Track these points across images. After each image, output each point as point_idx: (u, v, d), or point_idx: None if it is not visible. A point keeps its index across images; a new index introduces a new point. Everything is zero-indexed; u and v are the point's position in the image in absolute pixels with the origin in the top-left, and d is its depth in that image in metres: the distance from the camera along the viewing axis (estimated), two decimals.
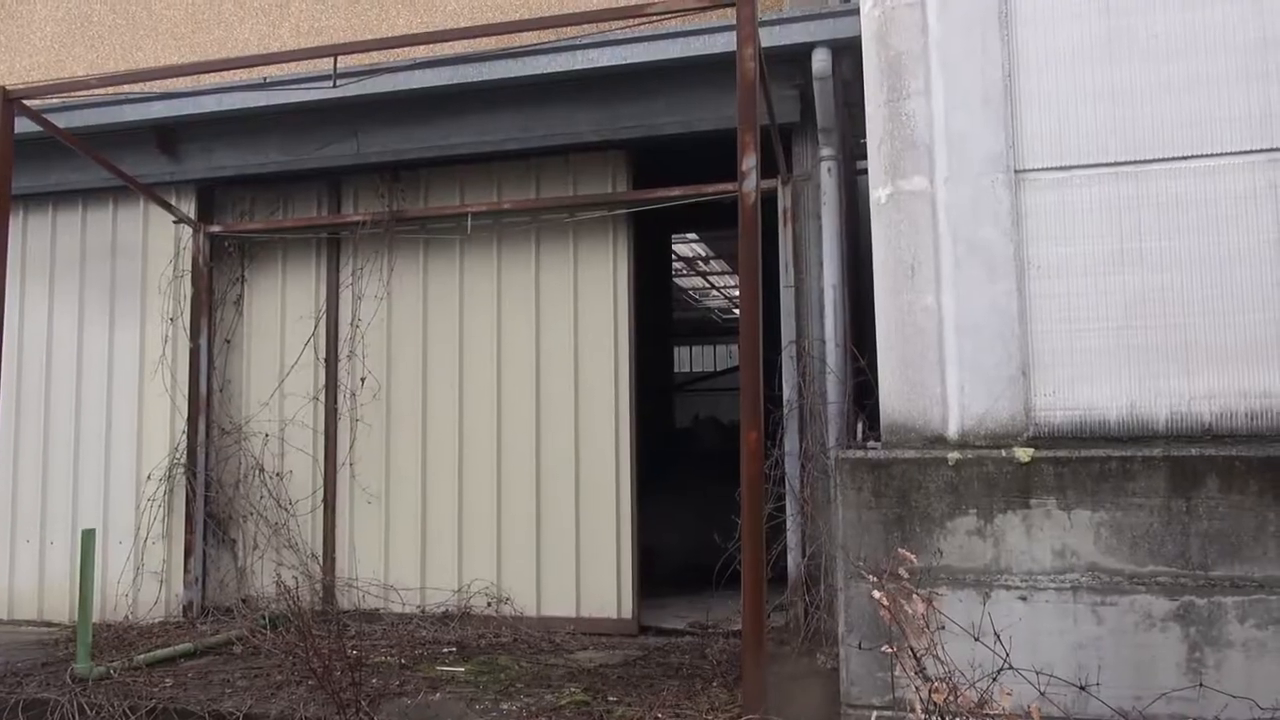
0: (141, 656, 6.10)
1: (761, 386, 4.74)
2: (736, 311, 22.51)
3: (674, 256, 15.73)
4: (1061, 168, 4.78)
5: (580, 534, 7.04)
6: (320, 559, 7.45)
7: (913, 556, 3.82)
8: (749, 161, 4.70)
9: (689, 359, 23.65)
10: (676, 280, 17.34)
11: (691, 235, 14.96)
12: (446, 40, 5.45)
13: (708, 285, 20.12)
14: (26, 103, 5.96)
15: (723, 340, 23.63)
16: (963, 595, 4.42)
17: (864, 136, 7.07)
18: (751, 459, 4.69)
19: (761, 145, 4.87)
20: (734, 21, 4.84)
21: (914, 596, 3.65)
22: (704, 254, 17.28)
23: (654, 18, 5.33)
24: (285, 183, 7.79)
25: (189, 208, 7.81)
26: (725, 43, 6.25)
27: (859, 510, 4.65)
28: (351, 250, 7.66)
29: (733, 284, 19.85)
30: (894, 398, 4.90)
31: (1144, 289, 4.59)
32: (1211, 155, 4.58)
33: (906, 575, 3.72)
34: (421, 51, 7.07)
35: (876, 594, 3.63)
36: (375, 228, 7.43)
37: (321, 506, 7.52)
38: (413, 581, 7.26)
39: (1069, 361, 4.65)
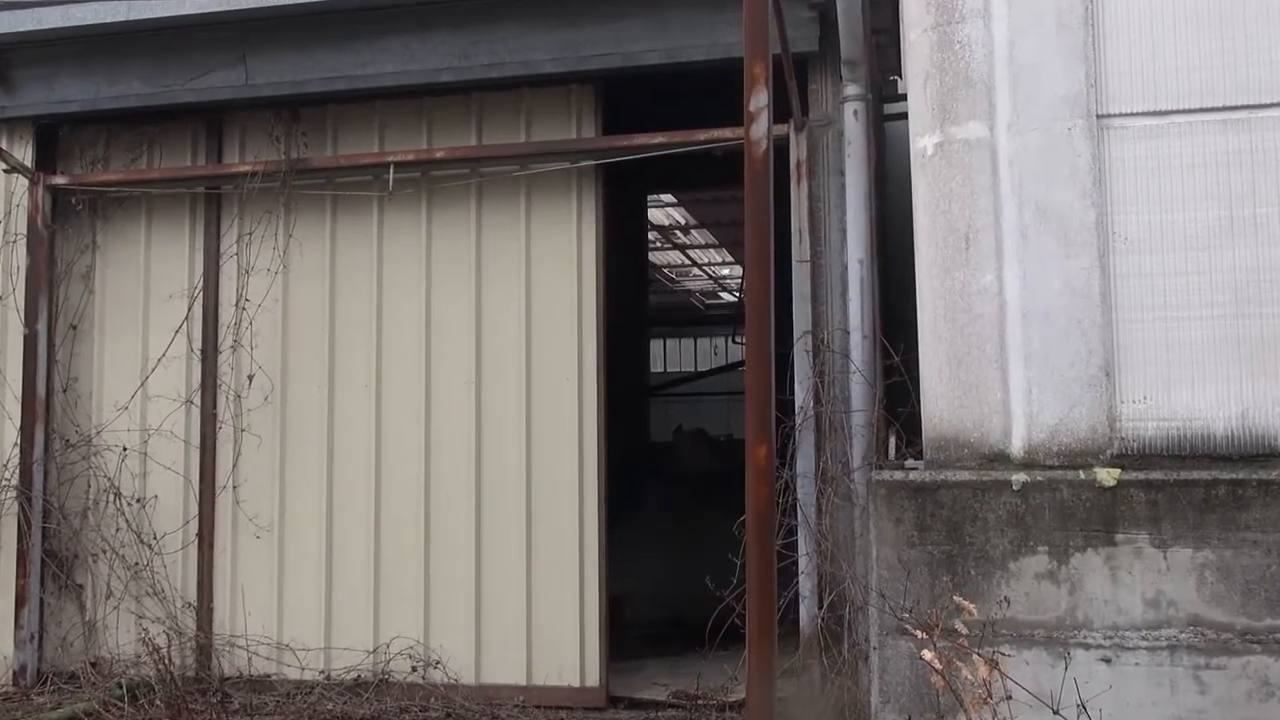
0: None
1: (773, 390, 4.69)
2: (724, 295, 22.56)
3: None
4: (1155, 113, 4.80)
5: (533, 578, 6.97)
6: (195, 609, 7.32)
7: (972, 606, 3.81)
8: (759, 99, 4.63)
9: (664, 355, 23.64)
10: (651, 255, 17.30)
11: (667, 197, 14.94)
12: None
13: (688, 261, 20.10)
14: None
15: (706, 332, 23.62)
16: (1030, 656, 4.44)
17: (896, 72, 7.14)
18: (760, 481, 4.61)
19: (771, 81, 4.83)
20: None
21: (974, 657, 3.65)
22: (683, 221, 17.26)
23: None
24: (151, 121, 7.64)
25: (25, 153, 7.65)
26: None
27: (897, 547, 4.65)
28: (237, 210, 7.52)
29: (720, 260, 19.86)
30: (941, 403, 4.91)
31: (1259, 266, 4.63)
32: None
33: (964, 630, 3.71)
34: None
35: (926, 654, 3.62)
36: (269, 181, 7.31)
37: (196, 542, 7.39)
38: (315, 639, 7.17)
39: (1164, 358, 4.68)
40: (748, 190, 4.67)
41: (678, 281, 21.64)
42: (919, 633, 3.78)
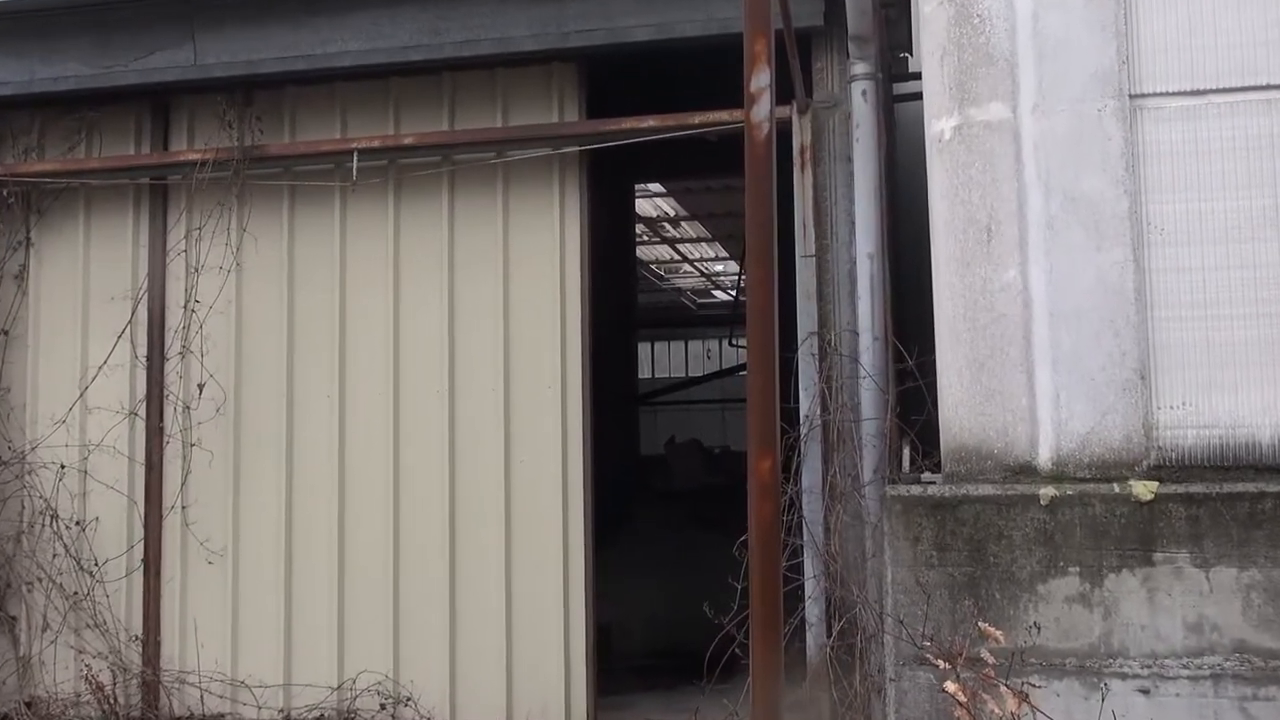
0: None
1: (777, 397, 4.69)
2: (717, 294, 22.60)
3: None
4: (1193, 92, 4.82)
5: (512, 606, 6.96)
6: (141, 643, 7.29)
7: (998, 633, 3.82)
8: (760, 78, 4.60)
9: (652, 359, 23.66)
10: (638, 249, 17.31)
11: (655, 186, 14.98)
12: None
13: (677, 256, 20.13)
14: None
15: (698, 334, 23.69)
16: (1061, 687, 4.44)
17: (907, 49, 7.15)
18: (764, 496, 4.58)
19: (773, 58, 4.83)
20: None
21: (1001, 689, 3.65)
22: (672, 212, 17.28)
23: None
24: (91, 106, 7.62)
25: None
26: None
27: (915, 569, 4.65)
28: (185, 202, 7.50)
29: (712, 255, 19.89)
30: (962, 411, 4.91)
31: None
32: None
33: (991, 659, 3.71)
34: None
35: (949, 686, 3.62)
36: (220, 170, 7.29)
37: (141, 568, 7.36)
38: (273, 675, 7.15)
39: (1205, 360, 4.68)
40: (748, 179, 4.65)
41: (666, 279, 21.65)
42: (941, 662, 3.79)
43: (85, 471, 7.47)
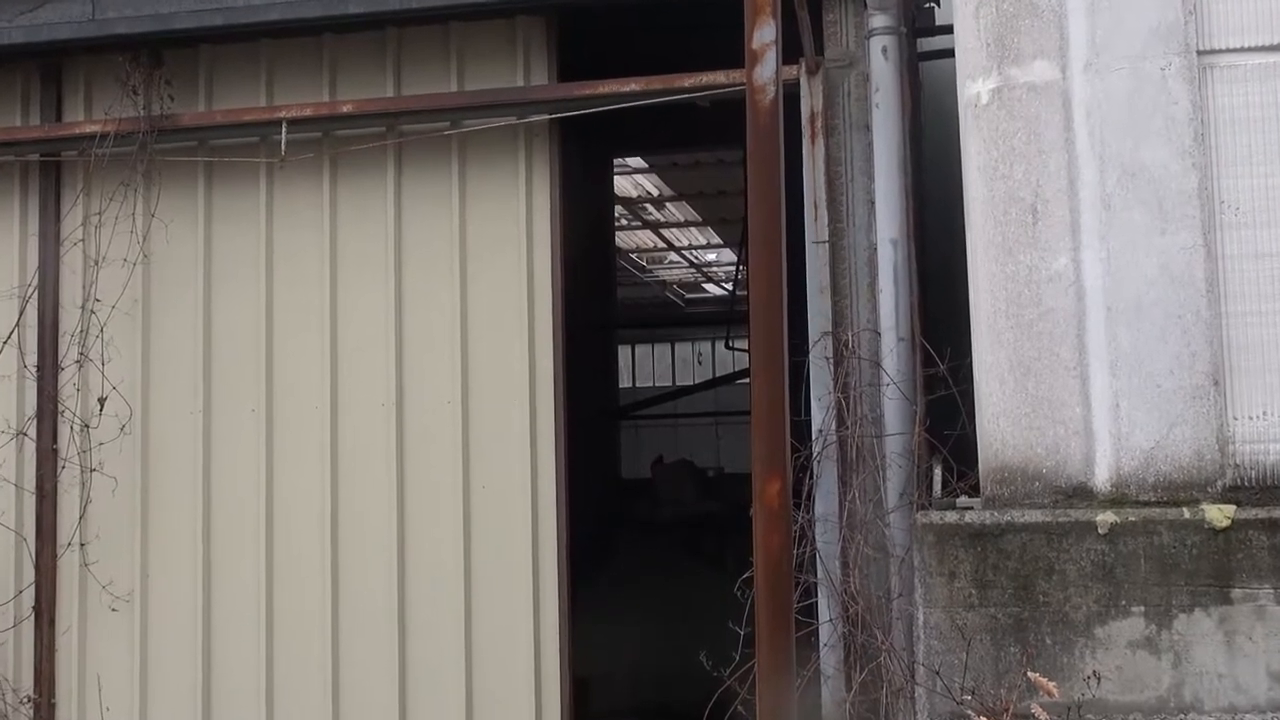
0: None
1: (787, 408, 4.70)
2: (709, 288, 22.61)
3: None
4: (1273, 47, 4.83)
5: (474, 658, 6.96)
6: (33, 705, 7.26)
7: (1051, 685, 3.83)
8: (764, 33, 4.64)
9: (633, 366, 23.63)
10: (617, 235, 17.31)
11: (635, 161, 15.00)
12: None
13: (662, 244, 20.14)
14: None
15: (687, 334, 23.67)
16: None
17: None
18: (773, 525, 4.60)
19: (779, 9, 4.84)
20: None
21: None
22: (656, 192, 17.29)
23: None
24: None
25: None
26: None
27: (951, 610, 4.65)
28: (83, 183, 7.49)
29: (704, 242, 19.91)
30: (1004, 423, 4.92)
31: None
32: None
33: (1043, 714, 3.72)
34: None
35: None
36: (124, 144, 7.27)
37: (32, 617, 7.34)
38: None
39: None
40: (751, 151, 4.66)
41: (649, 270, 21.64)
42: None
43: None
